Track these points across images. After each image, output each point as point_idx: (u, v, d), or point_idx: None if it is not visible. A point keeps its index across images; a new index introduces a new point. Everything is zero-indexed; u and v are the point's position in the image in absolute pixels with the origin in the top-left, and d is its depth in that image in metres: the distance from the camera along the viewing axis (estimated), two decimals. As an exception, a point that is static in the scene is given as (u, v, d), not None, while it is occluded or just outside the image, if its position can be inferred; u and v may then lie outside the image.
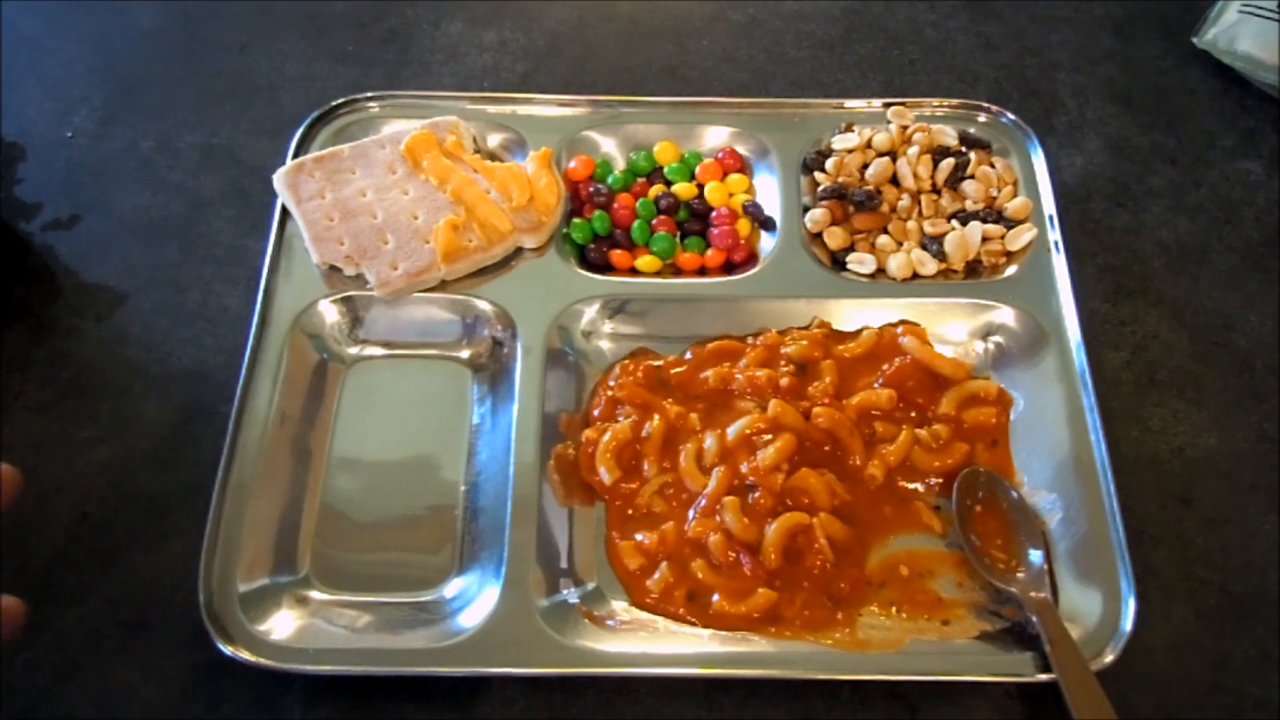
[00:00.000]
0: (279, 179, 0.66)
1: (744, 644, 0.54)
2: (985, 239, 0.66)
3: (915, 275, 0.65)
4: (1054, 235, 0.66)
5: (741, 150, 0.71)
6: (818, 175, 0.69)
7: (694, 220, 0.69)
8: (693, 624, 0.55)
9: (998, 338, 0.64)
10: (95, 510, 0.59)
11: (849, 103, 0.73)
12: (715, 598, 0.55)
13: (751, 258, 0.68)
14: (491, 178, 0.66)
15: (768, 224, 0.68)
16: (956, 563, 0.57)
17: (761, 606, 0.54)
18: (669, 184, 0.70)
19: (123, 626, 0.55)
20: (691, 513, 0.57)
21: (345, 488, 0.60)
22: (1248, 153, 0.74)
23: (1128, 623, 0.52)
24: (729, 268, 0.67)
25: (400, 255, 0.63)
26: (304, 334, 0.63)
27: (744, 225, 0.68)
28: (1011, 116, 0.71)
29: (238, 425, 0.58)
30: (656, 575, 0.56)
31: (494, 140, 0.71)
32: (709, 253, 0.67)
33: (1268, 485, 0.60)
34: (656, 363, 0.63)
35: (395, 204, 0.65)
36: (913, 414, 0.61)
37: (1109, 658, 0.52)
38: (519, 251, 0.66)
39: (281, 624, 0.54)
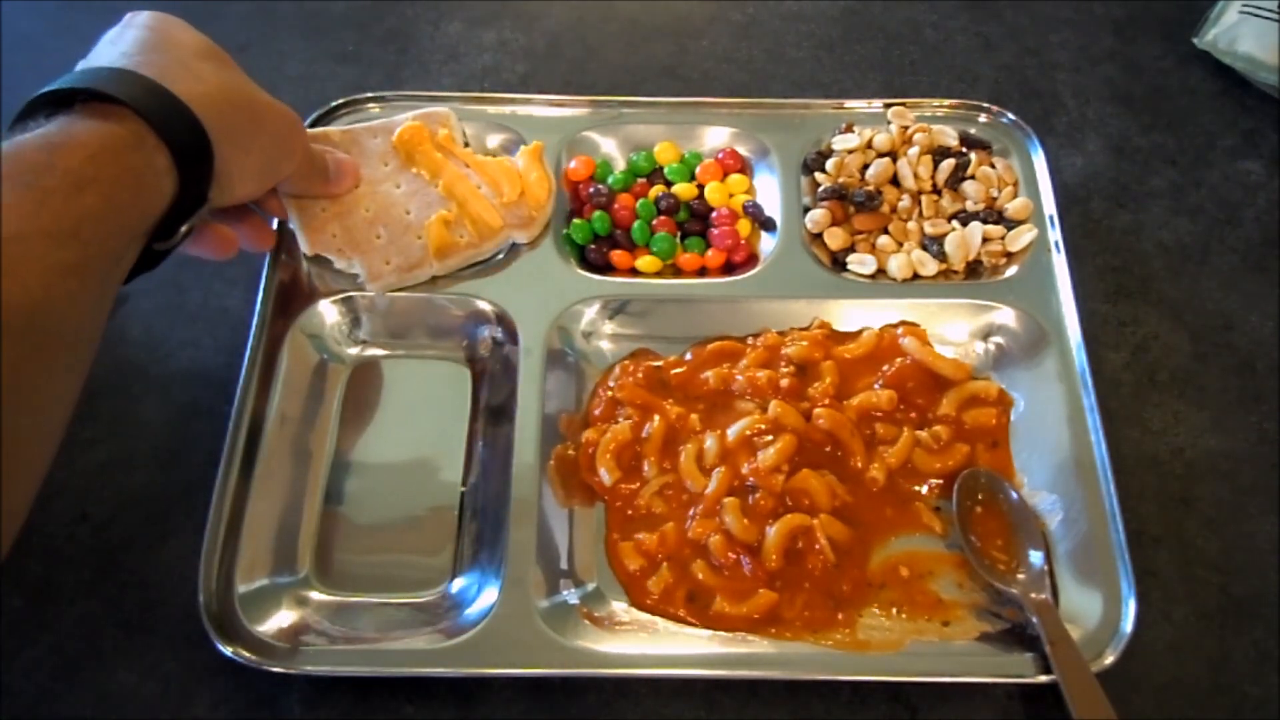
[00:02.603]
0: None
1: (744, 645, 0.54)
2: (986, 240, 0.66)
3: (916, 276, 0.65)
4: (1054, 236, 0.66)
5: (742, 151, 0.71)
6: (818, 176, 0.69)
7: (694, 221, 0.69)
8: (693, 625, 0.55)
9: (998, 338, 0.64)
10: (95, 510, 0.59)
11: (849, 103, 0.73)
12: (715, 599, 0.55)
13: (752, 258, 0.68)
14: (483, 173, 0.66)
15: (768, 224, 0.68)
16: (957, 564, 0.57)
17: (762, 607, 0.54)
18: (669, 184, 0.69)
19: (123, 626, 0.55)
20: (692, 514, 0.57)
21: (345, 488, 0.60)
22: (1248, 153, 0.74)
23: (1128, 624, 0.52)
24: (729, 268, 0.67)
25: (392, 250, 0.63)
26: (304, 334, 0.63)
27: (744, 226, 0.68)
28: (1011, 117, 0.71)
29: (238, 425, 0.58)
30: (656, 576, 0.56)
31: (494, 140, 0.71)
32: (709, 253, 0.67)
33: (1268, 486, 0.60)
34: (657, 363, 0.63)
35: (387, 197, 0.65)
36: (913, 415, 0.61)
37: (1109, 659, 0.52)
38: (519, 252, 0.66)
39: (281, 624, 0.54)
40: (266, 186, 0.58)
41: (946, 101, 0.73)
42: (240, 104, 0.52)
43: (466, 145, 0.69)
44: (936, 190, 0.69)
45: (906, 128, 0.70)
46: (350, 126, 0.67)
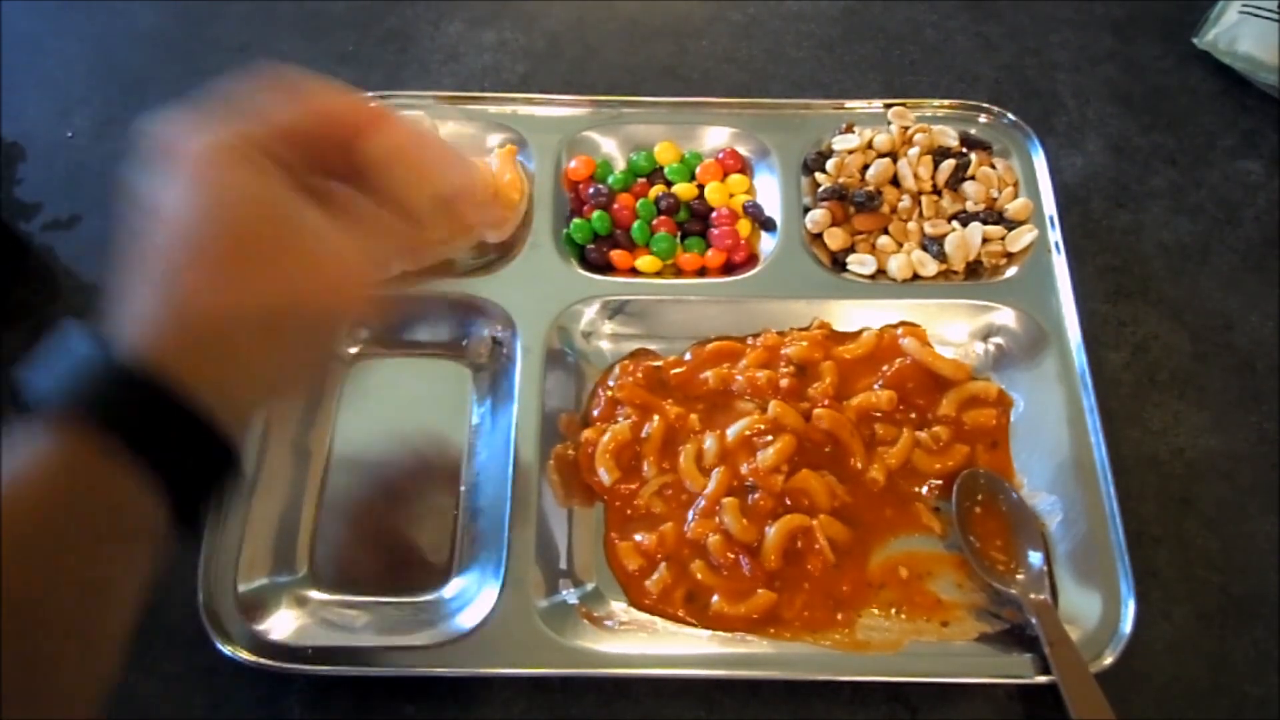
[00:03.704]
0: None
1: (744, 645, 0.54)
2: (986, 240, 0.66)
3: (916, 276, 0.65)
4: (1054, 236, 0.66)
5: (742, 151, 0.71)
6: (818, 176, 0.69)
7: (694, 221, 0.69)
8: (692, 625, 0.55)
9: (998, 339, 0.64)
10: (95, 510, 0.59)
11: (849, 103, 0.73)
12: (714, 599, 0.55)
13: (752, 258, 0.67)
14: None
15: (768, 225, 0.68)
16: (956, 564, 0.57)
17: (761, 607, 0.54)
18: (669, 184, 0.69)
19: (122, 627, 0.55)
20: (691, 514, 0.57)
21: (345, 488, 0.60)
22: (1248, 153, 0.74)
23: (1127, 624, 0.52)
24: (729, 268, 0.67)
25: None
26: (304, 334, 0.63)
27: (744, 226, 0.68)
28: (1012, 117, 0.71)
29: (237, 425, 0.58)
30: (655, 576, 0.56)
31: (494, 140, 0.71)
32: (709, 253, 0.67)
33: (1268, 485, 0.60)
34: (656, 363, 0.63)
35: None
36: (913, 415, 0.61)
37: (1108, 659, 0.52)
38: (519, 252, 0.66)
39: (281, 624, 0.54)
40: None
41: (946, 102, 0.72)
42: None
43: None
44: (937, 191, 0.69)
45: (907, 128, 0.70)
46: None
